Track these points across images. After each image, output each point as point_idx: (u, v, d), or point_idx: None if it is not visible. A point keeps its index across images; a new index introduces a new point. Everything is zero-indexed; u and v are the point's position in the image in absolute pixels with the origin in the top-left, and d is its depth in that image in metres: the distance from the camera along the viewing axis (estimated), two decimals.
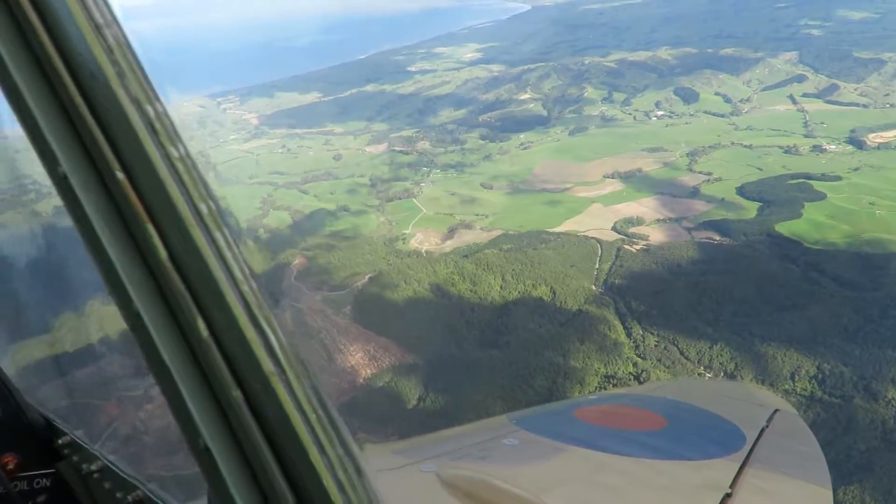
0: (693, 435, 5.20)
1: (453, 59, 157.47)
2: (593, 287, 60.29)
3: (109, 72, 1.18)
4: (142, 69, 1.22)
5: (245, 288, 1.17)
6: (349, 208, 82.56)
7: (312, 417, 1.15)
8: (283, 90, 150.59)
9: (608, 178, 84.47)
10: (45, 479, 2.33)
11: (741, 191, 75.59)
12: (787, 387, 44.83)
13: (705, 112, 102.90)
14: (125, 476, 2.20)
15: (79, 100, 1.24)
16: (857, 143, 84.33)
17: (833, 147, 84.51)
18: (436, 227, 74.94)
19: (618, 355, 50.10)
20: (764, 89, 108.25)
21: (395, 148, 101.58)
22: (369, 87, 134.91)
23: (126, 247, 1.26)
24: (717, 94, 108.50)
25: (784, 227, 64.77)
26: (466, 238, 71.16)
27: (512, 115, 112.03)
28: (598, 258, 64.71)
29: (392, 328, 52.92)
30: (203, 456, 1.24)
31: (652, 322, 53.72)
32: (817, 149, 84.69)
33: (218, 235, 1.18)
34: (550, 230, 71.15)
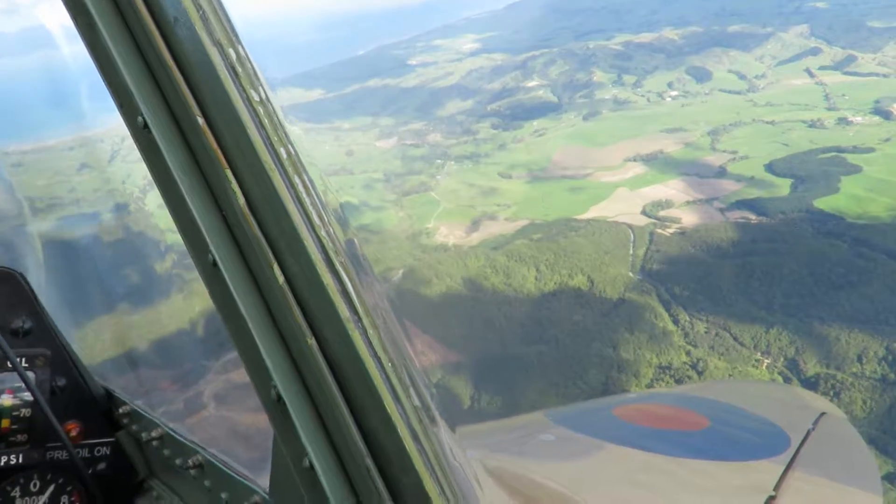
0: (736, 436, 4.99)
1: (453, 51, 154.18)
2: (631, 274, 57.42)
3: (193, 15, 1.16)
4: (224, 12, 1.20)
5: (322, 233, 1.14)
6: (369, 203, 79.65)
7: (388, 366, 1.11)
8: (287, 87, 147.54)
9: (629, 161, 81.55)
10: (105, 448, 2.43)
11: (770, 168, 72.72)
12: (855, 370, 42.03)
13: (720, 90, 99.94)
14: (184, 441, 2.20)
15: (160, 44, 1.23)
16: (883, 113, 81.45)
17: (859, 119, 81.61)
18: (458, 219, 71.99)
19: (669, 344, 47.30)
20: (778, 64, 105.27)
21: (406, 142, 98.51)
22: (372, 83, 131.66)
23: (203, 194, 1.25)
24: (730, 71, 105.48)
25: (823, 203, 61.94)
26: (492, 229, 68.24)
27: (521, 103, 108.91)
28: (632, 244, 61.83)
29: (431, 325, 49.97)
30: (275, 406, 1.21)
31: (699, 308, 50.89)
32: (843, 121, 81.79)
33: (297, 180, 1.16)
34: (578, 217, 68.23)
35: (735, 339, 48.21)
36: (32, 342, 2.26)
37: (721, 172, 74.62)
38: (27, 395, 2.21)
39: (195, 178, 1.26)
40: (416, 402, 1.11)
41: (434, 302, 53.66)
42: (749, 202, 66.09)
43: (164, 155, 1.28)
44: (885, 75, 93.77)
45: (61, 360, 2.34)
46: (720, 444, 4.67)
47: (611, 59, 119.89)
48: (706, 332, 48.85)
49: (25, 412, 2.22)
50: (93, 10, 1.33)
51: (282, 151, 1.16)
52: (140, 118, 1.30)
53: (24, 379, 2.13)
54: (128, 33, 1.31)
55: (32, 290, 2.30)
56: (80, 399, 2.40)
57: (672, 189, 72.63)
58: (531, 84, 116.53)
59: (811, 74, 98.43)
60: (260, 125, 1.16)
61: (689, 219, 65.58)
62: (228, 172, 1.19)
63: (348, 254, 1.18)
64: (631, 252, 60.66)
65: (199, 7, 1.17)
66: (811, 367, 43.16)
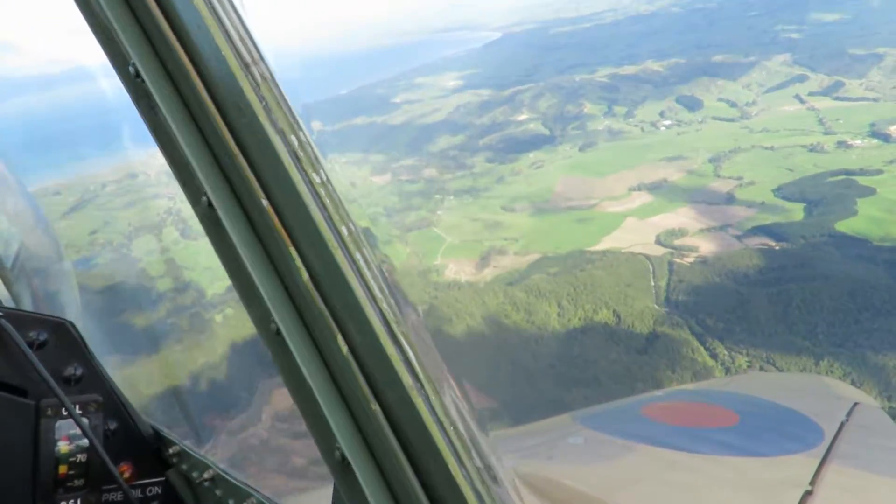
0: (767, 430, 4.74)
1: (436, 88, 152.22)
2: (656, 306, 53.96)
3: (256, 106, 1.22)
4: (286, 102, 1.27)
5: (384, 305, 1.18)
6: (378, 237, 75.63)
7: (451, 430, 1.13)
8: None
9: (634, 190, 78.85)
10: (156, 487, 2.47)
11: (780, 193, 70.49)
12: None
13: (713, 118, 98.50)
14: (237, 483, 2.23)
15: (224, 132, 1.29)
16: (881, 136, 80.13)
17: (858, 142, 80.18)
18: (466, 255, 68.18)
19: None
20: (766, 92, 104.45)
21: (401, 177, 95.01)
22: (359, 120, 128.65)
23: (267, 269, 1.31)
24: (720, 99, 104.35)
25: (844, 226, 59.48)
26: (503, 264, 64.53)
27: (513, 137, 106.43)
28: (652, 275, 58.51)
29: (456, 367, 45.56)
30: (339, 467, 1.24)
31: (736, 340, 47.45)
32: (842, 145, 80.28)
33: (358, 256, 1.21)
34: (591, 249, 64.90)
35: (782, 372, 44.75)
36: (84, 388, 2.29)
37: (730, 199, 72.16)
38: (83, 441, 2.24)
39: (259, 254, 1.31)
40: (479, 463, 1.12)
41: (457, 342, 49.49)
42: (765, 228, 63.45)
43: (227, 232, 1.32)
44: (874, 99, 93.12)
45: (112, 403, 2.37)
46: (751, 439, 4.46)
47: (598, 91, 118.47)
48: (749, 366, 45.28)
49: (81, 457, 2.26)
50: (155, 96, 1.37)
51: (343, 230, 1.21)
52: (205, 198, 1.34)
53: (80, 425, 2.17)
54: (190, 119, 1.35)
55: (82, 338, 2.33)
56: (131, 441, 2.43)
57: (682, 217, 69.87)
58: (521, 117, 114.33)
59: (802, 100, 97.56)
60: (322, 206, 1.20)
61: (706, 247, 62.64)
62: (292, 250, 1.24)
63: (407, 322, 1.21)
64: (652, 283, 57.29)
65: (262, 98, 1.22)
66: (875, 401, 39.68)
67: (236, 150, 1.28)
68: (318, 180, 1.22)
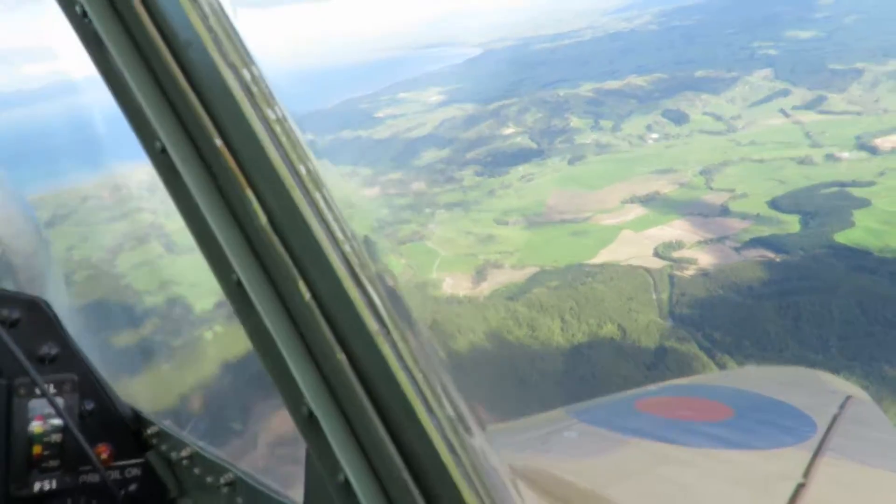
0: (761, 424, 4.73)
1: (419, 103, 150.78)
2: (660, 320, 52.36)
3: (205, 38, 1.15)
4: (237, 34, 1.20)
5: (347, 248, 1.12)
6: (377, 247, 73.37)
7: (419, 377, 1.08)
8: None
9: (627, 203, 77.63)
10: (135, 468, 2.45)
11: (774, 205, 69.65)
12: None
13: (700, 131, 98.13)
14: (215, 460, 2.19)
15: (175, 69, 1.22)
16: (868, 148, 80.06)
17: (846, 154, 79.98)
18: (461, 269, 66.12)
19: None
20: (750, 106, 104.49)
21: (389, 191, 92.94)
22: (345, 133, 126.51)
23: (225, 215, 1.23)
24: (705, 113, 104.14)
25: (842, 238, 58.59)
26: (500, 278, 62.56)
27: (500, 150, 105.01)
28: (654, 288, 57.00)
29: (463, 385, 43.40)
30: (307, 422, 1.19)
31: (747, 354, 45.91)
32: (831, 157, 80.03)
33: (318, 196, 1.14)
34: (589, 263, 63.29)
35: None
36: (59, 368, 2.24)
37: (724, 211, 71.17)
38: (57, 421, 2.19)
39: (216, 200, 1.24)
40: (451, 412, 1.08)
41: (460, 359, 47.29)
42: (763, 240, 62.42)
43: (183, 178, 1.26)
44: (857, 113, 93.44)
45: (89, 383, 2.32)
46: (745, 433, 4.48)
47: (583, 106, 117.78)
48: None
49: (56, 438, 2.21)
50: (104, 36, 1.31)
51: (301, 168, 1.14)
52: (158, 143, 1.29)
53: (54, 405, 2.13)
54: (140, 58, 1.28)
55: (57, 317, 2.27)
56: (108, 421, 2.38)
57: (678, 230, 68.66)
58: (508, 131, 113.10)
59: (786, 114, 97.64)
60: (278, 143, 1.13)
61: (705, 259, 61.37)
62: (249, 192, 1.17)
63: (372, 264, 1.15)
64: (654, 297, 55.75)
65: (210, 30, 1.16)
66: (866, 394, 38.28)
67: (187, 87, 1.20)
68: (272, 116, 1.15)
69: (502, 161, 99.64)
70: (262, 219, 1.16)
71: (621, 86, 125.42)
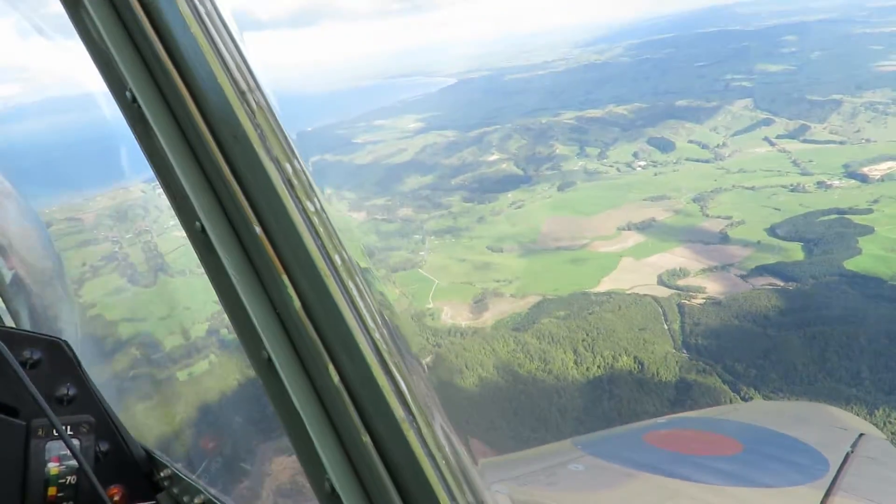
0: (771, 460, 4.65)
1: (398, 130, 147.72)
2: (676, 351, 49.18)
3: (251, 134, 1.20)
4: (282, 130, 1.25)
5: (377, 335, 1.15)
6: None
7: (442, 463, 1.10)
8: None
9: (623, 230, 75.02)
10: None
11: (773, 232, 67.72)
12: None
13: (687, 159, 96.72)
14: None
15: (219, 159, 1.27)
16: (858, 176, 79.20)
17: (837, 182, 79.02)
18: (458, 298, 62.26)
19: None
20: (734, 134, 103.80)
21: (376, 216, 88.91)
22: (328, 156, 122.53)
23: (260, 296, 1.28)
24: (690, 141, 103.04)
25: (852, 265, 56.58)
26: (502, 307, 58.86)
27: (486, 176, 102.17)
28: (664, 317, 53.92)
29: (477, 425, 39.38)
30: (329, 499, 1.22)
31: (775, 388, 42.89)
32: (822, 185, 78.94)
33: (350, 285, 1.17)
34: (593, 291, 60.08)
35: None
36: (76, 409, 2.25)
37: (724, 238, 68.98)
38: (72, 462, 2.19)
39: (251, 280, 1.28)
40: (470, 498, 1.10)
41: (472, 396, 43.23)
42: (769, 267, 60.09)
43: (220, 257, 1.30)
44: (840, 142, 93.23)
45: (104, 425, 2.33)
46: (755, 469, 4.38)
47: (567, 133, 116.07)
48: None
49: (71, 479, 2.20)
50: (151, 121, 1.36)
51: (336, 258, 1.18)
52: (198, 223, 1.33)
53: (70, 447, 2.12)
54: (186, 145, 1.34)
55: (76, 357, 2.27)
56: (122, 463, 2.39)
57: (679, 257, 66.10)
58: (492, 158, 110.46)
59: (771, 143, 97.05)
60: (315, 234, 1.17)
61: (712, 287, 58.71)
62: (285, 277, 1.21)
63: (402, 352, 1.19)
64: (666, 327, 52.65)
65: (257, 126, 1.20)
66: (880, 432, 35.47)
67: (230, 177, 1.25)
68: (311, 208, 1.19)
69: (489, 187, 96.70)
70: (297, 303, 1.19)
71: (603, 114, 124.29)
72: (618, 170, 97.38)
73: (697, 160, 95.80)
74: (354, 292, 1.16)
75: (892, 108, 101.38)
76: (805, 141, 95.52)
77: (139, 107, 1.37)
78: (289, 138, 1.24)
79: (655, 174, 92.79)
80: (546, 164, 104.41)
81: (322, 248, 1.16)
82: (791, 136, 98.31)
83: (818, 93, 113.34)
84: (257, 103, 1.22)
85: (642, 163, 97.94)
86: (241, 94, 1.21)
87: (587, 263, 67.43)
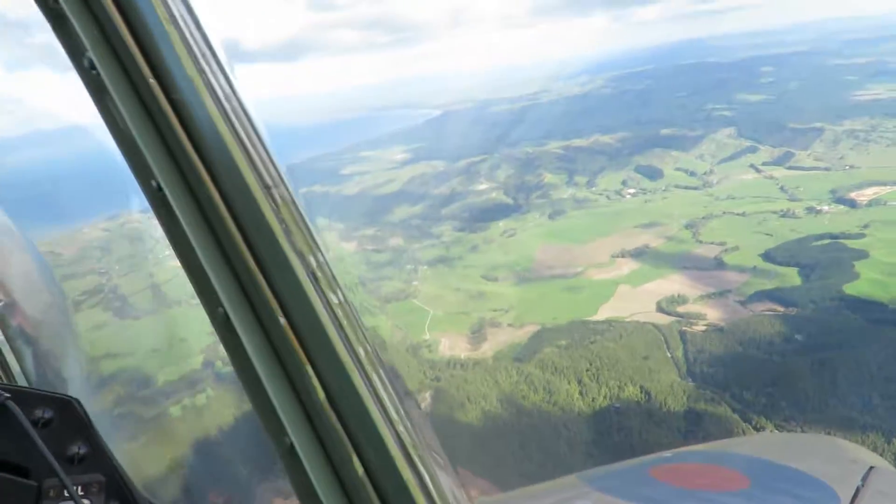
0: (780, 495, 4.49)
1: (385, 161, 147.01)
2: (679, 379, 47.85)
3: (276, 228, 1.23)
4: (306, 223, 1.29)
5: (401, 428, 1.16)
6: (357, 307, 67.03)
7: None
8: None
9: (617, 257, 74.10)
10: None
11: (768, 257, 67.13)
12: None
13: (676, 186, 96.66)
14: None
15: (244, 251, 1.29)
16: (847, 202, 79.33)
17: (826, 208, 79.08)
18: (455, 328, 60.62)
19: None
20: (720, 162, 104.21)
21: (367, 247, 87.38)
22: (316, 188, 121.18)
23: (284, 385, 1.29)
24: (677, 169, 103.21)
25: (852, 289, 55.93)
26: (500, 338, 57.29)
27: (476, 206, 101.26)
28: (666, 345, 52.69)
29: (484, 463, 37.43)
30: None
31: (786, 417, 41.63)
32: (812, 210, 78.92)
33: (374, 377, 1.20)
34: (591, 319, 58.81)
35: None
36: (87, 468, 2.20)
37: (719, 264, 68.28)
38: None
39: (275, 370, 1.29)
40: None
41: (475, 430, 41.38)
42: (768, 293, 59.29)
43: (244, 344, 1.30)
44: (825, 168, 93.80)
45: (114, 483, 2.26)
46: None
47: (554, 162, 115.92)
48: None
49: None
50: (176, 211, 1.36)
51: (360, 350, 1.21)
52: (221, 309, 1.34)
53: None
54: (211, 233, 1.34)
55: (87, 416, 2.24)
56: None
57: (675, 284, 65.15)
58: (481, 187, 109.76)
59: (757, 170, 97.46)
60: (339, 326, 1.20)
61: (712, 314, 57.70)
62: (309, 368, 1.22)
63: (426, 444, 1.21)
64: (669, 355, 51.38)
65: (281, 221, 1.23)
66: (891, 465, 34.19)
67: (255, 268, 1.26)
68: (335, 301, 1.22)
69: (479, 216, 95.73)
70: (321, 394, 1.20)
71: (589, 143, 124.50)
72: (607, 197, 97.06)
73: (686, 187, 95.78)
74: (378, 385, 1.17)
75: (872, 135, 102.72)
76: (791, 168, 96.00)
77: (165, 195, 1.37)
78: (313, 231, 1.26)
79: (645, 201, 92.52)
80: (535, 193, 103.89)
81: (346, 340, 1.18)
82: (776, 162, 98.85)
83: (799, 121, 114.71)
84: (282, 198, 1.24)
85: (631, 190, 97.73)
86: (266, 188, 1.22)
87: (583, 291, 66.27)
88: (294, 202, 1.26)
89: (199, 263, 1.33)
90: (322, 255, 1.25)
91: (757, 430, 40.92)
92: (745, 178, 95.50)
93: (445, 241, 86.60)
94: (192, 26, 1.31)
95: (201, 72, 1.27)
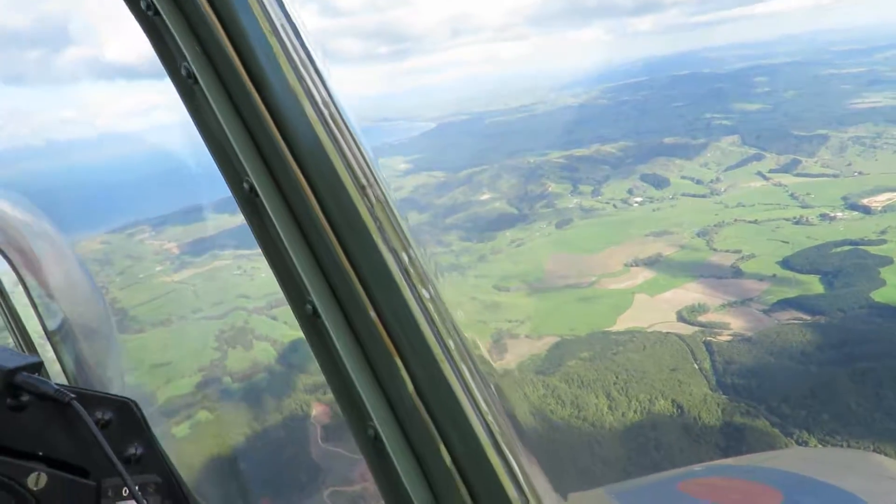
0: None
1: (390, 169, 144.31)
2: (711, 392, 45.41)
3: (371, 226, 1.24)
4: (398, 222, 1.30)
5: (490, 418, 1.17)
6: None
7: None
8: (214, 212, 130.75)
9: (631, 266, 71.85)
10: None
11: (787, 265, 65.04)
12: None
13: (683, 195, 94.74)
14: None
15: (337, 248, 1.30)
16: (861, 208, 77.55)
17: (840, 214, 77.25)
18: (477, 337, 57.96)
19: None
20: (726, 170, 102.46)
21: None
22: None
23: (369, 377, 1.31)
24: (683, 177, 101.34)
25: (880, 297, 53.83)
26: (520, 350, 54.72)
27: (480, 216, 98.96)
28: (693, 356, 50.28)
29: None
30: None
31: (830, 431, 39.20)
32: (825, 217, 77.09)
33: (464, 368, 1.21)
34: (611, 330, 56.38)
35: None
36: (143, 468, 2.24)
37: (737, 272, 66.10)
38: None
39: (360, 362, 1.30)
40: None
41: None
42: (791, 301, 57.07)
43: (332, 340, 1.32)
44: (834, 175, 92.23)
45: (169, 485, 2.30)
46: None
47: (557, 171, 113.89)
48: None
49: None
50: (269, 212, 1.37)
51: (450, 343, 1.22)
52: (309, 306, 1.35)
53: None
54: (300, 233, 1.36)
55: (144, 417, 2.27)
56: None
57: (694, 293, 62.88)
58: (484, 197, 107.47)
59: (765, 177, 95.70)
60: (430, 320, 1.21)
61: (736, 323, 55.38)
62: (398, 360, 1.24)
63: (517, 433, 1.21)
64: (696, 366, 48.94)
65: (376, 220, 1.24)
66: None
67: (346, 264, 1.27)
68: (426, 296, 1.23)
69: (484, 226, 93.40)
70: (409, 385, 1.21)
71: (590, 153, 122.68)
72: (614, 206, 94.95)
73: (694, 195, 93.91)
74: (468, 376, 1.17)
75: (878, 141, 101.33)
76: (798, 175, 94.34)
77: (257, 197, 1.39)
78: (405, 229, 1.27)
79: (654, 210, 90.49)
80: (540, 203, 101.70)
81: (437, 333, 1.18)
82: (784, 170, 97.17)
83: (802, 129, 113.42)
84: (377, 197, 1.25)
85: (638, 199, 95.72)
86: (362, 188, 1.24)
87: (599, 301, 63.85)
88: (388, 201, 1.26)
89: (287, 262, 1.32)
90: (414, 251, 1.24)
91: (799, 444, 38.51)
92: (752, 186, 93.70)
93: (454, 250, 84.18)
94: (292, 35, 1.29)
95: (300, 79, 1.27)
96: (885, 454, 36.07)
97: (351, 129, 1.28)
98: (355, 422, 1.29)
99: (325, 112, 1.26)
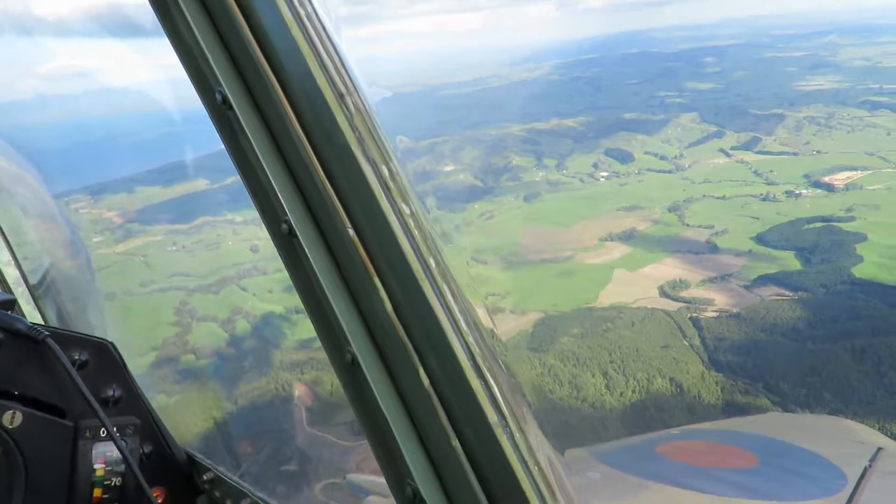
0: (787, 473, 4.51)
1: None
2: (706, 370, 43.66)
3: (349, 136, 1.16)
4: (379, 133, 1.22)
5: (470, 339, 1.11)
6: (302, 308, 59.65)
7: (535, 471, 1.04)
8: (144, 184, 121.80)
9: (605, 241, 69.81)
10: None
11: (762, 240, 64.25)
12: None
13: (648, 170, 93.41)
14: None
15: (313, 161, 1.22)
16: (823, 186, 77.82)
17: (805, 191, 77.30)
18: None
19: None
20: (688, 146, 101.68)
21: None
22: None
23: (345, 297, 1.23)
24: (647, 152, 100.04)
25: (861, 273, 53.32)
26: (507, 326, 51.68)
27: (446, 187, 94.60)
28: (681, 333, 48.49)
29: None
30: (410, 502, 1.17)
31: (833, 409, 37.80)
32: (791, 194, 77.00)
33: (445, 288, 1.14)
34: (595, 306, 54.11)
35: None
36: (122, 410, 2.20)
37: (712, 248, 64.92)
38: (118, 465, 2.14)
39: (336, 283, 1.23)
40: None
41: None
42: (771, 277, 56.06)
43: (307, 259, 1.25)
44: (793, 153, 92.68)
45: (148, 427, 2.27)
46: (771, 483, 4.28)
47: (520, 144, 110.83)
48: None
49: (116, 481, 2.16)
50: (242, 122, 1.31)
51: (431, 261, 1.15)
52: (285, 225, 1.28)
53: (122, 449, 2.06)
54: (274, 146, 1.28)
55: (122, 359, 2.22)
56: (165, 465, 2.31)
57: (672, 268, 61.31)
58: (448, 168, 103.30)
59: (727, 154, 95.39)
60: (411, 236, 1.14)
61: (719, 299, 53.97)
62: (376, 279, 1.17)
63: (494, 356, 1.13)
64: (686, 343, 47.14)
65: (355, 129, 1.17)
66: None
67: (324, 179, 1.19)
68: (407, 211, 1.16)
69: (451, 197, 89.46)
70: (388, 305, 1.14)
71: (551, 126, 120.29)
72: (581, 180, 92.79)
73: (659, 171, 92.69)
74: (448, 295, 1.10)
75: (832, 121, 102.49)
76: (759, 152, 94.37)
77: (230, 108, 1.31)
78: (385, 141, 1.19)
79: (621, 185, 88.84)
80: (505, 175, 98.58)
81: (417, 250, 1.12)
82: (745, 147, 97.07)
83: (757, 108, 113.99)
84: (355, 106, 1.18)
85: (604, 173, 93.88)
86: (340, 96, 1.16)
87: (578, 276, 61.54)
88: (367, 110, 1.18)
89: (262, 181, 1.24)
90: (395, 164, 1.16)
91: None
92: (716, 163, 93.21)
93: (435, 216, 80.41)
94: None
95: None
96: (892, 433, 34.98)
97: (328, 31, 1.17)
98: (331, 348, 1.23)
99: (302, 12, 1.15)
